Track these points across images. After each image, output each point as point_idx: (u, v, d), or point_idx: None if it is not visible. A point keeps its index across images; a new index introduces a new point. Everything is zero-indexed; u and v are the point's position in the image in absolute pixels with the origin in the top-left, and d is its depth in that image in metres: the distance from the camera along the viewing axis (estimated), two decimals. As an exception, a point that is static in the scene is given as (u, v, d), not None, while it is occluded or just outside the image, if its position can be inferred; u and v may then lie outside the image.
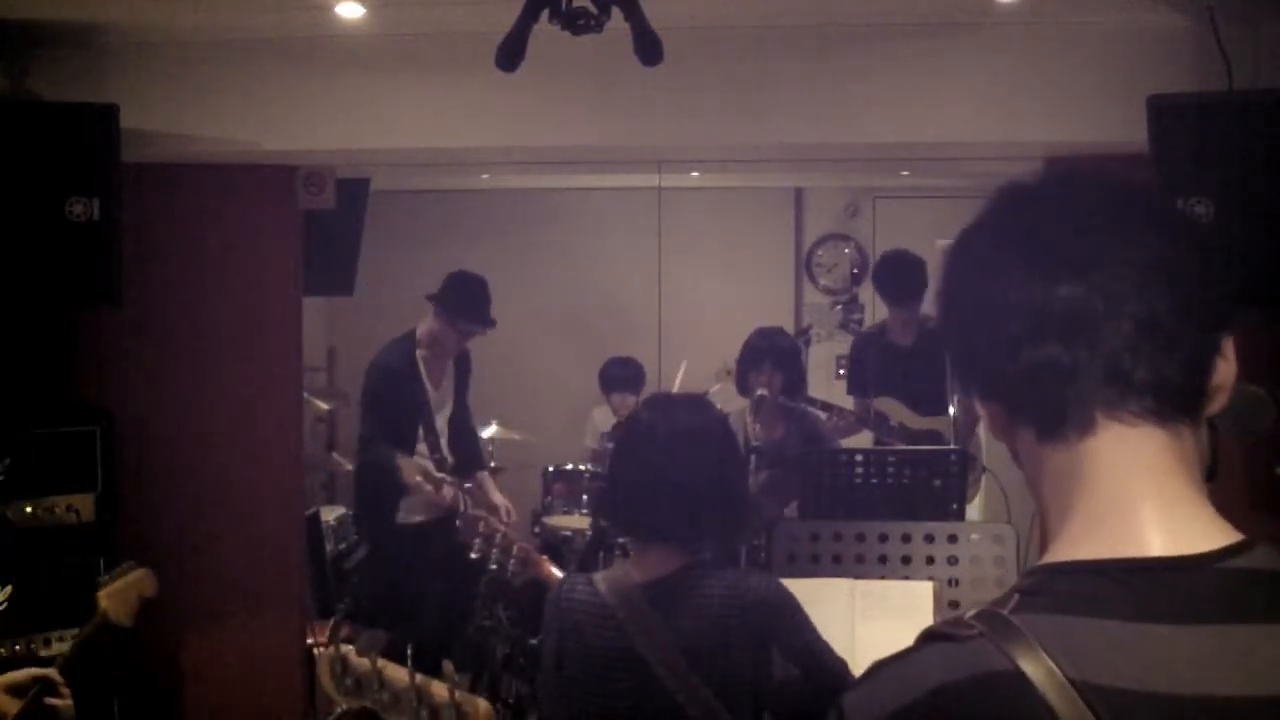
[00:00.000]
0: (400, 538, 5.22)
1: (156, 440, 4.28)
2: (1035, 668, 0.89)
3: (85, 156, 3.70)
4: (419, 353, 5.25)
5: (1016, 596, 0.96)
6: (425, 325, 5.28)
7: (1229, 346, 1.02)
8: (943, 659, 0.94)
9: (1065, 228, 1.01)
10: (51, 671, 2.75)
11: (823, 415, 5.38)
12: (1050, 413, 1.00)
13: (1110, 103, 3.69)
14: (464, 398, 5.53)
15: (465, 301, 5.22)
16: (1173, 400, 0.98)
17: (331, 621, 1.77)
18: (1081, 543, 0.97)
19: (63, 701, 2.71)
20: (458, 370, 5.47)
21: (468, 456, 5.48)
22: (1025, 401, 1.01)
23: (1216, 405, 1.01)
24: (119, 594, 2.89)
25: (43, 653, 3.62)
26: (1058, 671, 0.89)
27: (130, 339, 4.26)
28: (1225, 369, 1.01)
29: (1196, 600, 0.92)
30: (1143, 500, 0.97)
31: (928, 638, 0.98)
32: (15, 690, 2.69)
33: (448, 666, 1.73)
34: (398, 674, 1.73)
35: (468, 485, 5.26)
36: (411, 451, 5.19)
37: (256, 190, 4.45)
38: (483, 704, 1.71)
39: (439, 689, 1.70)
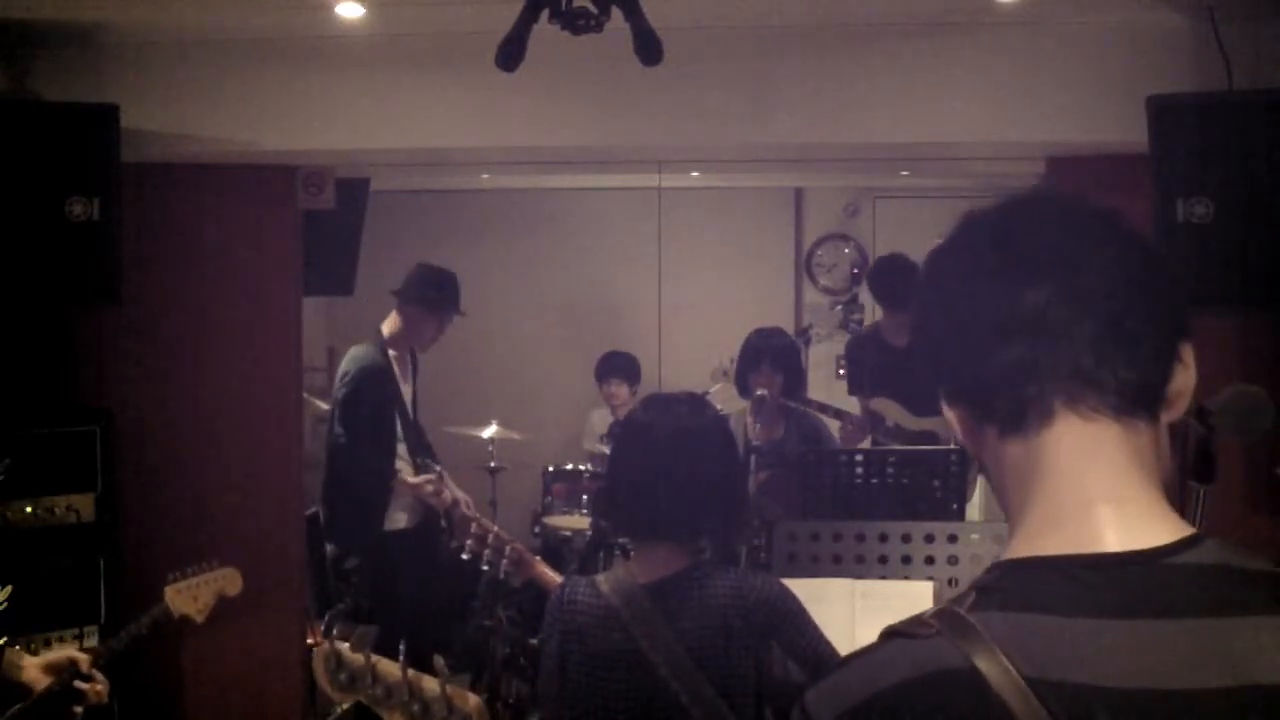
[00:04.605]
0: (389, 543, 5.21)
1: (156, 440, 4.28)
2: (990, 665, 0.92)
3: (85, 156, 3.70)
4: (390, 352, 5.25)
5: (973, 594, 0.98)
6: (394, 323, 5.28)
7: (1188, 355, 1.05)
8: (901, 657, 0.97)
9: (1033, 239, 1.06)
10: (83, 656, 2.83)
11: (836, 422, 5.38)
12: (1014, 406, 1.03)
13: (1110, 103, 3.69)
14: (416, 394, 5.52)
15: (446, 291, 5.29)
16: (1130, 397, 1.01)
17: (326, 618, 1.81)
18: (1038, 539, 1.00)
19: (91, 687, 2.77)
20: (413, 367, 5.47)
21: (423, 451, 5.47)
22: (992, 399, 1.04)
23: (1176, 411, 1.05)
24: (189, 590, 2.96)
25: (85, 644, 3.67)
26: (1012, 669, 0.91)
27: (130, 339, 4.26)
28: (1184, 376, 1.05)
29: (1144, 595, 0.94)
30: (1098, 496, 0.99)
31: (888, 635, 1.00)
32: (51, 669, 2.78)
33: (438, 662, 1.76)
34: (390, 669, 1.77)
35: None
36: (393, 452, 5.19)
37: (256, 190, 4.44)
38: (473, 698, 1.75)
39: (430, 683, 1.74)
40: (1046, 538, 0.99)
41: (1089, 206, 1.10)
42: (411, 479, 5.15)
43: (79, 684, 2.78)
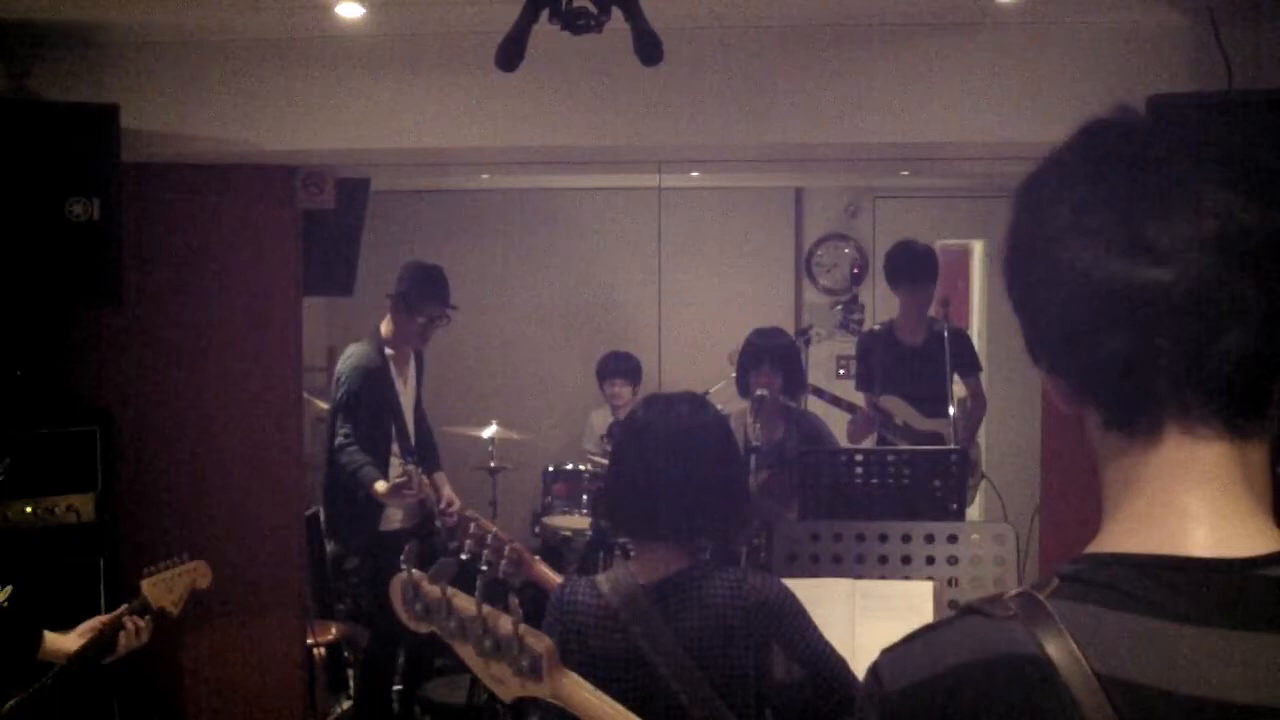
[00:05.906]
0: (385, 544, 5.17)
1: (156, 440, 4.28)
2: (1061, 655, 0.91)
3: (85, 156, 3.70)
4: (388, 352, 5.22)
5: (1056, 581, 0.97)
6: (389, 324, 5.24)
7: None
8: (975, 635, 0.96)
9: (1156, 195, 0.96)
10: (122, 608, 2.95)
11: (848, 415, 5.37)
12: (1118, 408, 0.98)
13: (1110, 103, 3.69)
14: (421, 395, 5.47)
15: (426, 287, 5.20)
16: (1245, 412, 0.96)
17: (406, 549, 1.84)
18: (1129, 535, 0.98)
19: (133, 621, 2.90)
20: (417, 367, 5.43)
21: (428, 456, 5.43)
22: (1095, 389, 0.99)
23: None
24: (164, 583, 2.98)
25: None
26: (1083, 661, 0.91)
27: (130, 339, 4.26)
28: None
29: (1226, 604, 0.92)
30: (1195, 502, 0.96)
31: (966, 611, 0.99)
32: (90, 631, 2.89)
33: (513, 601, 1.78)
34: (465, 603, 1.79)
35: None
36: (388, 451, 5.15)
37: (256, 190, 4.45)
38: (546, 640, 1.76)
39: (504, 621, 1.76)
40: (1137, 535, 0.97)
41: (1227, 144, 0.99)
42: (378, 486, 4.99)
43: (126, 621, 2.86)
